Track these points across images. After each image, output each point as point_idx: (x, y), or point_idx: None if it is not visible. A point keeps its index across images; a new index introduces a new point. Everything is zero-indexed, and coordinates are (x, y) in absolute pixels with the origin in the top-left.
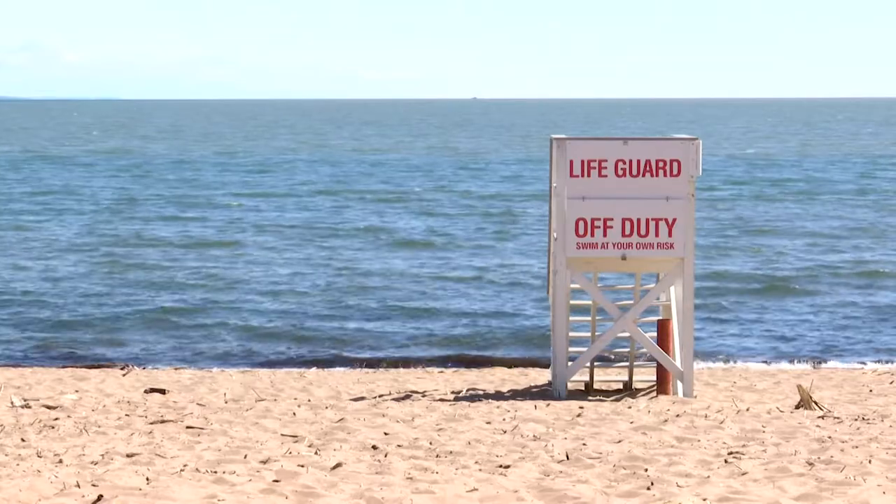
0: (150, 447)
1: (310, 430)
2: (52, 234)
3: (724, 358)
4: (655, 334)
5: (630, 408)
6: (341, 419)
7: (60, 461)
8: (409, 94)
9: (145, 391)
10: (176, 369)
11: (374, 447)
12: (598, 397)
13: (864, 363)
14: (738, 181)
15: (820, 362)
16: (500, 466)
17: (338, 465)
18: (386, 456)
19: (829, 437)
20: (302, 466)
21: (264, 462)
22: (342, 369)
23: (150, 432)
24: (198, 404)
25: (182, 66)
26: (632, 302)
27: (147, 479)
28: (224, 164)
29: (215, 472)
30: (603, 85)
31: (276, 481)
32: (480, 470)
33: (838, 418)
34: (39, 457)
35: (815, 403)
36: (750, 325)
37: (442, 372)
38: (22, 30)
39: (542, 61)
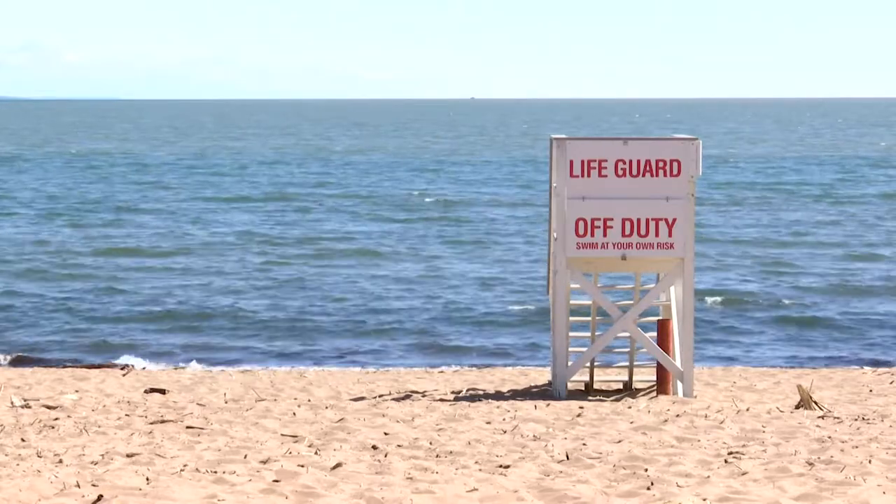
0: (150, 447)
1: (310, 430)
2: (49, 234)
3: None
4: (655, 334)
5: (630, 408)
6: (341, 419)
7: (60, 461)
8: (409, 94)
9: (145, 391)
10: (176, 369)
11: (374, 447)
12: (598, 397)
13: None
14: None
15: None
16: (500, 466)
17: (338, 465)
18: (386, 456)
19: (829, 437)
20: (302, 466)
21: (264, 462)
22: (342, 369)
23: (150, 432)
24: (198, 404)
25: (182, 66)
26: (632, 302)
27: (147, 479)
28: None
29: (215, 472)
30: (603, 85)
31: (276, 481)
32: (480, 470)
33: (838, 418)
34: (39, 457)
35: (815, 403)
36: (750, 333)
37: (442, 372)
38: (22, 30)
39: (541, 61)
